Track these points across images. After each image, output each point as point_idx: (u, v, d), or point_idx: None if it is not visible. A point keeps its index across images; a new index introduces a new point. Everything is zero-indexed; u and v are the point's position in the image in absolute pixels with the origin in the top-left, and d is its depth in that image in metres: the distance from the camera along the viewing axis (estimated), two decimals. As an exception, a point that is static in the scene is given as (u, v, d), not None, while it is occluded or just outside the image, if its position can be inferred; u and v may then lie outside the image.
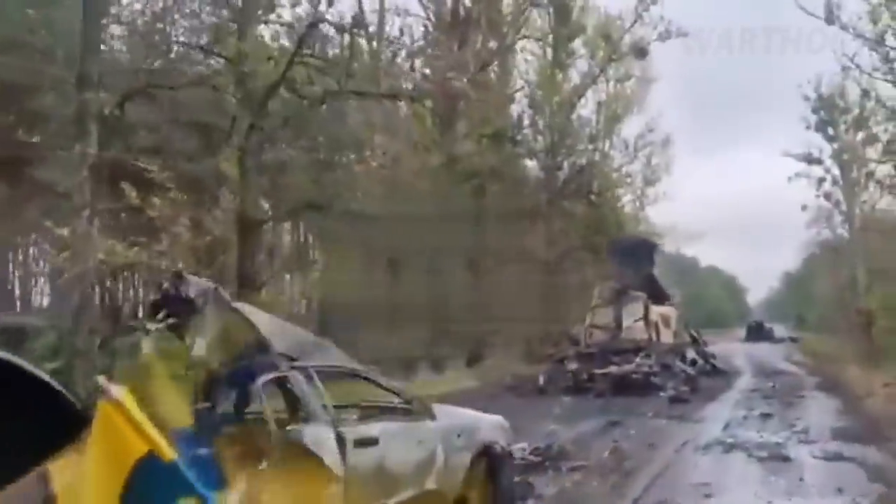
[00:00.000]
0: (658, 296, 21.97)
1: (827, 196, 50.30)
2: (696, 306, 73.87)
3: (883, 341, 26.14)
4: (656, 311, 21.12)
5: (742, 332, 62.17)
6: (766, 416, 13.38)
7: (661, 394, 16.99)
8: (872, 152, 45.67)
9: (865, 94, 35.31)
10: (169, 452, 0.79)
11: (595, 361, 18.91)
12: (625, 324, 20.23)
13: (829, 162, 48.98)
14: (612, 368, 18.33)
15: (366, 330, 22.17)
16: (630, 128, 46.73)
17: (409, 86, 22.22)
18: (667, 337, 21.31)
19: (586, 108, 41.32)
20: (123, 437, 0.78)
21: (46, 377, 0.76)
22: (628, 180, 48.82)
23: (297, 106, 19.92)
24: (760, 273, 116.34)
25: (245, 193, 18.42)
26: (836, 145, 48.92)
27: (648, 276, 22.35)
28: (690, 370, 19.59)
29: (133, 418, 0.80)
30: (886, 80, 34.54)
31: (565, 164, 39.38)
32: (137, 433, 0.79)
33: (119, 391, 0.79)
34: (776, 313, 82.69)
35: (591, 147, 41.61)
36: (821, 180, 48.78)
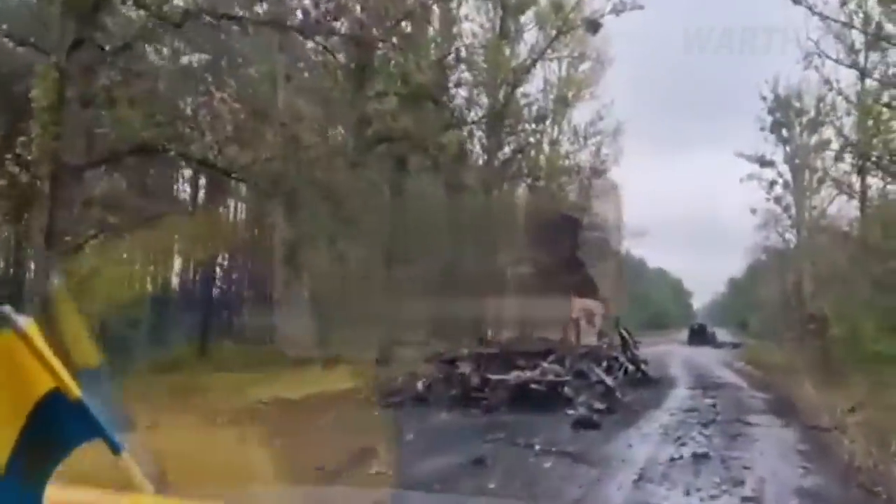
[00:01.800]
0: (583, 287, 17.53)
1: (777, 200, 48.45)
2: (642, 307, 70.38)
3: (838, 352, 22.04)
4: (579, 304, 16.66)
5: (685, 335, 58.64)
6: (700, 460, 8.85)
7: (569, 411, 12.51)
8: (820, 160, 43.10)
9: (827, 83, 31.76)
10: (76, 391, 0.59)
11: (494, 365, 14.32)
12: (538, 319, 15.73)
13: (781, 165, 46.48)
14: (512, 375, 13.74)
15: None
16: (581, 114, 42.59)
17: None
18: (589, 337, 16.85)
19: (532, 86, 36.99)
20: (27, 370, 0.58)
21: None
22: (576, 170, 44.73)
23: (146, 25, 15.11)
24: (707, 277, 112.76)
25: (60, 130, 13.56)
26: (789, 148, 46.64)
27: (573, 263, 17.94)
28: (610, 381, 15.02)
29: (39, 351, 0.58)
30: (851, 68, 30.59)
31: (507, 145, 35.00)
32: (43, 367, 0.58)
33: (25, 321, 0.59)
34: (720, 318, 79.86)
35: (535, 127, 37.19)
36: (772, 183, 47.06)
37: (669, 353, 36.51)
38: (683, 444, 9.85)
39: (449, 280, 21.15)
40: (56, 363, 0.63)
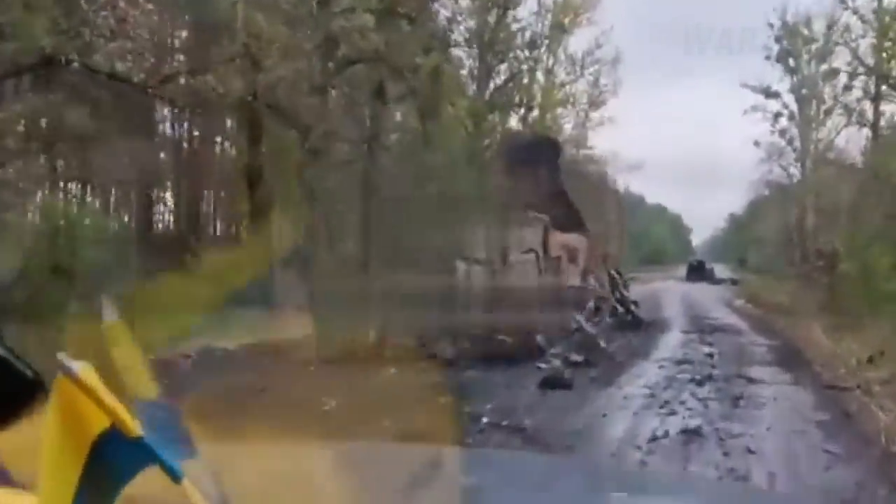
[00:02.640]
0: (565, 220, 15.22)
1: (782, 132, 45.90)
2: (640, 244, 68.13)
3: (847, 291, 19.79)
4: (560, 240, 14.38)
5: (683, 272, 56.51)
6: (691, 439, 6.69)
7: (541, 364, 10.36)
8: (829, 88, 40.48)
9: (842, 1, 28.82)
10: (133, 426, 0.58)
11: (459, 311, 12.13)
12: (512, 257, 13.45)
13: (787, 96, 43.67)
14: (478, 322, 11.56)
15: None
16: (577, 42, 39.58)
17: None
18: (572, 277, 14.62)
19: (525, 9, 33.99)
20: (83, 412, 0.57)
21: None
22: (571, 100, 41.91)
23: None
24: (707, 213, 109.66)
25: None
26: (796, 78, 43.84)
27: (554, 192, 15.55)
28: (590, 327, 12.79)
29: (94, 393, 0.57)
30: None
31: (498, 74, 32.25)
32: (99, 407, 0.57)
33: (81, 367, 0.56)
34: (719, 254, 77.58)
35: (528, 55, 34.31)
36: (777, 115, 44.35)
37: (666, 290, 34.42)
38: (672, 414, 7.68)
39: (418, 212, 18.84)
40: (111, 400, 0.57)
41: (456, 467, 1.25)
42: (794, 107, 44.05)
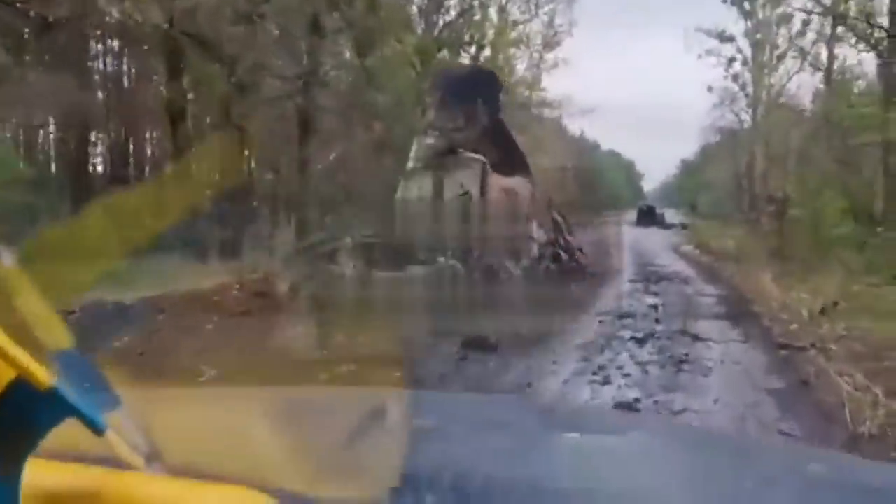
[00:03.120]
0: (507, 162, 13.88)
1: (735, 77, 45.59)
2: (594, 189, 67.37)
3: (797, 236, 19.00)
4: (499, 183, 13.09)
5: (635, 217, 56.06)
6: (625, 413, 5.58)
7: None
8: (783, 31, 39.74)
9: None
10: (44, 377, 0.53)
11: (384, 260, 10.82)
12: (448, 196, 12.16)
13: (741, 41, 42.90)
14: (404, 273, 10.29)
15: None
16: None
17: None
18: (512, 222, 13.38)
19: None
20: None
21: None
22: (525, 40, 40.18)
23: None
24: (660, 158, 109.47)
25: None
26: (750, 22, 43.18)
27: (493, 131, 14.13)
28: (522, 276, 11.60)
29: None
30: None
31: (450, 8, 30.40)
32: (1, 359, 0.52)
33: None
34: (671, 199, 77.54)
35: (478, -10, 32.43)
36: (731, 60, 43.87)
37: (616, 235, 33.59)
38: (606, 383, 6.54)
39: (357, 152, 17.30)
40: (16, 352, 0.53)
41: (405, 409, 1.09)
42: (748, 52, 43.63)
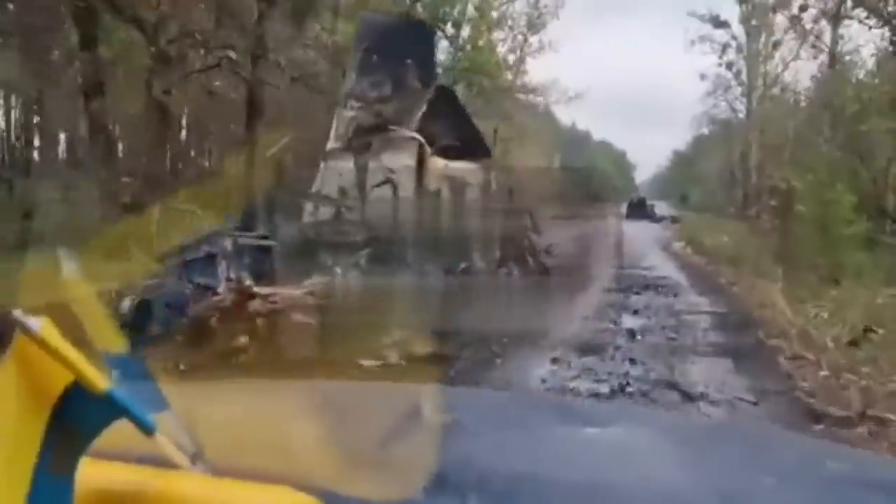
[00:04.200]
0: (455, 141, 10.95)
1: (729, 65, 43.00)
2: (583, 180, 64.59)
3: (804, 234, 16.07)
4: (441, 169, 10.15)
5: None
6: None
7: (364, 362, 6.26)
8: (782, 17, 36.86)
9: None
10: (99, 380, 0.55)
11: (270, 269, 7.86)
12: (370, 186, 9.21)
13: (736, 26, 39.92)
14: (295, 289, 7.31)
15: None
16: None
17: None
18: (458, 216, 10.42)
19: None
20: (44, 369, 0.55)
21: None
22: (509, 22, 37.11)
23: None
24: (652, 149, 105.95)
25: None
26: (746, 7, 40.55)
27: (438, 101, 11.23)
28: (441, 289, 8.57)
29: (53, 349, 0.54)
30: None
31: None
32: (61, 364, 0.55)
33: (39, 323, 0.53)
34: (663, 191, 74.83)
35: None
36: (725, 46, 41.19)
37: (601, 230, 30.68)
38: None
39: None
40: (74, 356, 0.55)
41: (436, 404, 1.07)
42: (742, 38, 41.18)
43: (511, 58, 37.12)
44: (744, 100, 42.59)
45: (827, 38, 27.83)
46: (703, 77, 42.81)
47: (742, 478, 0.97)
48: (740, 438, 1.37)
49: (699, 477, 0.95)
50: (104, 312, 0.63)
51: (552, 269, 13.01)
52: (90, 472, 0.59)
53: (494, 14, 35.00)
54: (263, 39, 18.12)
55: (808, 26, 28.33)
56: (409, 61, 9.22)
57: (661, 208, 52.34)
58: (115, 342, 0.63)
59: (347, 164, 9.71)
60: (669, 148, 79.84)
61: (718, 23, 40.40)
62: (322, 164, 10.19)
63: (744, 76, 41.86)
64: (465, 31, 32.47)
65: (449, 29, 30.20)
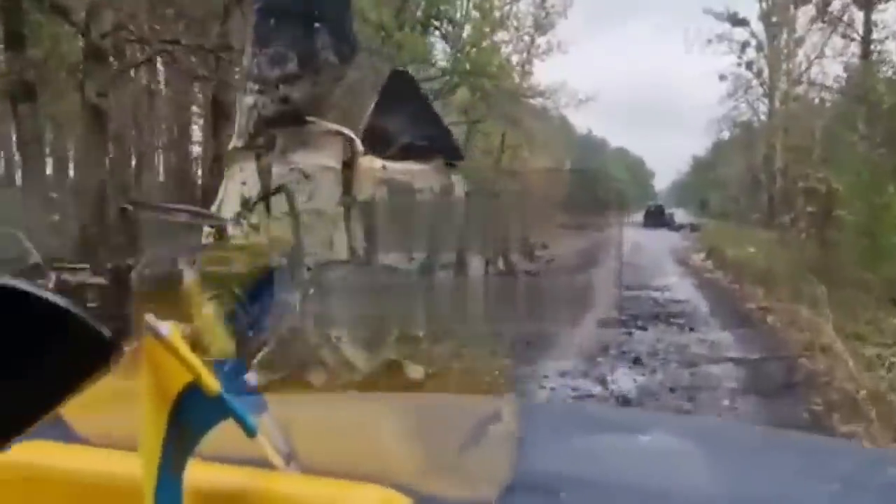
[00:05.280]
0: (426, 140, 8.47)
1: (749, 65, 40.55)
2: (596, 187, 61.79)
3: (846, 245, 13.23)
4: (378, 173, 7.59)
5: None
6: None
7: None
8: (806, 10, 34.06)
9: None
10: (212, 383, 0.61)
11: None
12: (254, 198, 6.66)
13: (755, 24, 36.52)
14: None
15: None
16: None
17: None
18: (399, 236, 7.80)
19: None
20: (169, 369, 0.61)
21: (68, 304, 0.48)
22: (515, 23, 34.52)
23: None
24: (670, 156, 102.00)
25: None
26: (765, 4, 38.15)
27: (389, 84, 8.81)
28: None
29: (177, 351, 0.60)
30: None
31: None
32: (182, 365, 0.61)
33: (167, 328, 0.59)
34: (682, 198, 71.72)
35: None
36: (744, 45, 38.72)
37: (611, 241, 27.84)
38: None
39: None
40: (193, 359, 0.60)
41: (512, 417, 1.09)
42: (762, 36, 38.86)
43: (517, 60, 34.48)
44: (766, 100, 40.29)
45: (859, 26, 24.93)
46: (721, 78, 40.30)
47: (805, 485, 0.96)
48: (796, 447, 1.32)
49: (758, 485, 0.93)
50: (219, 322, 0.68)
51: (540, 295, 10.34)
52: (194, 472, 0.60)
53: (497, 13, 32.44)
54: (227, 38, 15.79)
55: (837, 14, 25.42)
56: (317, 25, 6.67)
57: (681, 216, 49.49)
58: (226, 348, 0.68)
59: (251, 168, 7.17)
60: (688, 153, 76.56)
61: (736, 21, 38.09)
62: (225, 170, 7.63)
63: (765, 75, 39.45)
64: (466, 31, 29.91)
65: (446, 27, 27.65)
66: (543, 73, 53.27)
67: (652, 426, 1.30)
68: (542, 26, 35.28)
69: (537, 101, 36.89)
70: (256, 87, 7.02)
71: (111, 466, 0.63)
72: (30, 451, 0.64)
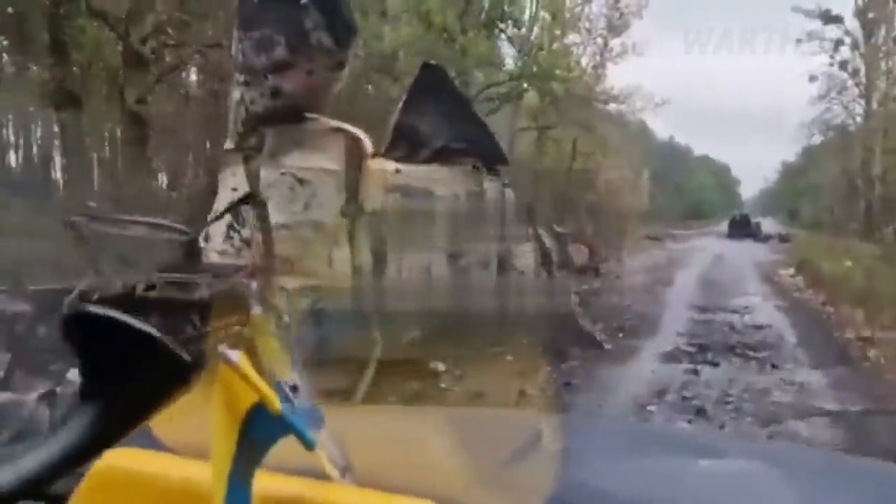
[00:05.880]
0: (464, 142, 7.31)
1: (843, 64, 37.75)
2: (679, 196, 58.99)
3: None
4: (389, 172, 6.40)
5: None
6: None
7: None
8: None
9: None
10: (275, 402, 0.68)
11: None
12: (219, 210, 5.60)
13: (850, 21, 34.14)
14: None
15: None
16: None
17: None
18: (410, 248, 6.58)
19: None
20: (238, 391, 0.68)
21: (155, 332, 0.65)
22: (587, 25, 32.89)
23: None
24: (759, 163, 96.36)
25: None
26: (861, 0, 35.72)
27: (419, 78, 7.71)
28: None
29: (246, 376, 0.68)
30: None
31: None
32: (250, 387, 0.68)
33: (237, 357, 0.68)
34: (771, 207, 67.78)
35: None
36: (837, 43, 36.04)
37: (692, 253, 25.87)
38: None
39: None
40: (259, 382, 0.66)
41: (556, 433, 1.08)
42: (858, 33, 36.13)
43: (589, 63, 32.79)
44: (862, 101, 37.35)
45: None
46: (812, 79, 37.62)
47: None
48: (870, 472, 1.25)
49: None
50: (279, 347, 0.72)
51: (592, 321, 8.88)
52: (259, 482, 0.66)
53: (567, 15, 30.91)
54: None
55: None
56: (304, 1, 5.51)
57: (768, 226, 46.41)
58: (286, 371, 0.70)
59: (242, 173, 6.11)
60: (777, 159, 72.29)
61: (829, 18, 35.49)
62: (220, 175, 6.59)
63: (862, 75, 36.58)
64: (534, 33, 28.55)
65: (512, 30, 26.37)
66: (618, 77, 50.94)
67: (715, 449, 1.25)
68: (615, 28, 33.56)
69: (612, 107, 35.08)
70: (242, 78, 5.94)
71: (191, 473, 0.70)
72: (122, 458, 0.72)
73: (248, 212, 6.12)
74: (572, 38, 31.96)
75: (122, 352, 0.61)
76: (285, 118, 6.04)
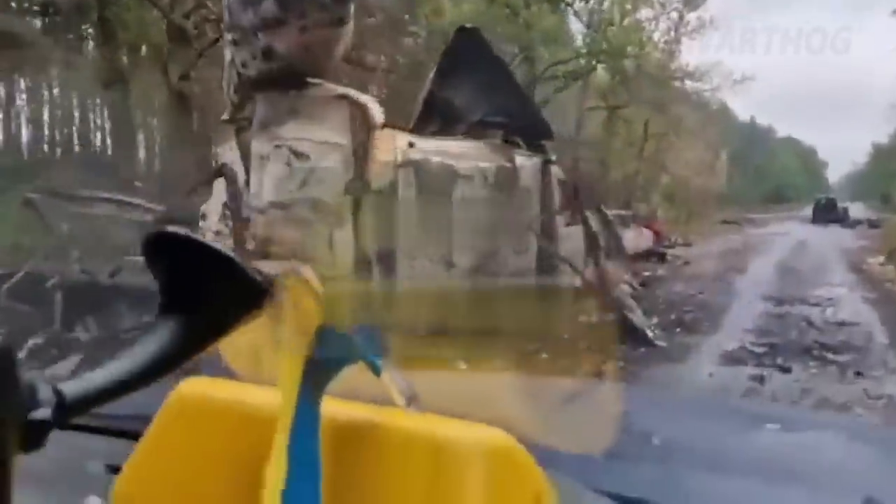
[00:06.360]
0: (506, 116, 6.45)
1: None
2: (760, 179, 55.91)
3: None
4: (402, 146, 5.58)
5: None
6: None
7: None
8: None
9: None
10: (345, 323, 0.70)
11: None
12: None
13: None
14: None
15: None
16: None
17: None
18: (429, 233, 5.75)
19: None
20: (306, 312, 0.67)
21: (233, 254, 0.59)
22: (660, -1, 30.92)
23: None
24: (848, 145, 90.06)
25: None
26: None
27: (453, 45, 6.89)
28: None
29: (315, 293, 0.68)
30: None
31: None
32: (317, 303, 0.68)
33: (307, 270, 0.67)
34: (860, 191, 63.43)
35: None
36: None
37: (772, 238, 24.10)
38: None
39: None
40: (329, 297, 0.65)
41: (614, 396, 1.15)
42: None
43: (662, 38, 30.94)
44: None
45: None
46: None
47: None
48: None
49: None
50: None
51: (649, 313, 7.86)
52: (327, 406, 0.67)
53: (637, -11, 29.18)
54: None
55: None
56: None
57: (857, 211, 43.28)
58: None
59: (232, 144, 5.42)
60: (867, 140, 67.53)
61: (930, -15, 32.12)
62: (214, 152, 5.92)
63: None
64: (604, 7, 27.08)
65: (580, 4, 25.03)
66: (693, 54, 48.29)
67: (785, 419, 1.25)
68: (691, 1, 31.49)
69: (688, 85, 33.09)
70: (230, 36, 5.22)
71: (266, 399, 0.69)
72: (198, 386, 0.74)
73: (244, 189, 5.41)
74: (644, 12, 30.12)
75: (200, 272, 0.59)
76: (283, 83, 5.28)
